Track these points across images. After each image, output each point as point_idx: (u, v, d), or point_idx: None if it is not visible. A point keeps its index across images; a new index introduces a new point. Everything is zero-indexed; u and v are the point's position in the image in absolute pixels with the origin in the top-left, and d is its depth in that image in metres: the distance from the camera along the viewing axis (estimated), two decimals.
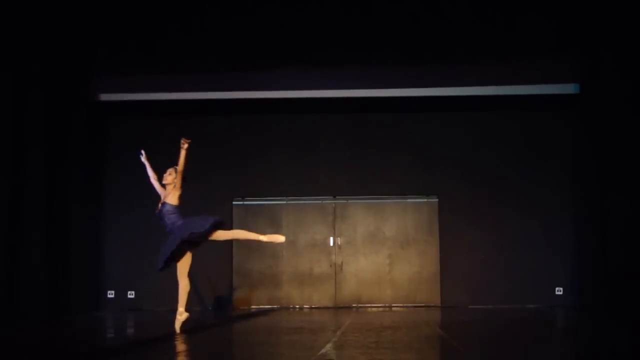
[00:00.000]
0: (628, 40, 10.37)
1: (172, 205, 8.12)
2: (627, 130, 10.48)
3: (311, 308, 11.98)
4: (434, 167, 12.06)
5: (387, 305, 11.97)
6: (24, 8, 10.06)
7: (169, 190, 8.19)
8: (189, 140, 8.07)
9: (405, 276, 12.02)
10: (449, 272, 11.90)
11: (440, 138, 12.11)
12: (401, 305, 11.92)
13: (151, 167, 8.56)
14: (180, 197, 8.18)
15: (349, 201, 12.22)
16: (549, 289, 11.70)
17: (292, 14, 10.81)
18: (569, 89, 11.56)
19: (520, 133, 12.01)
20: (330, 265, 12.10)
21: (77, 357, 6.86)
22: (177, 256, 8.18)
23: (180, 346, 7.38)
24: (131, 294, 11.92)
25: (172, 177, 8.21)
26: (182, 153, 8.05)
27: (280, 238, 8.32)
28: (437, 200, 12.07)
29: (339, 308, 11.90)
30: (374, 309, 11.72)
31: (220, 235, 8.26)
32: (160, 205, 8.19)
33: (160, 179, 8.39)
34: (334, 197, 12.23)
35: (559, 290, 11.70)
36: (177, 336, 7.93)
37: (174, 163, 8.20)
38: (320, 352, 6.53)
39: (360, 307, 11.93)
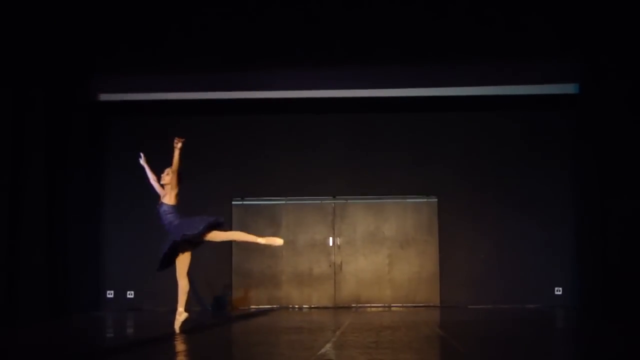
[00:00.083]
0: (628, 40, 10.36)
1: (169, 205, 8.14)
2: (626, 130, 10.47)
3: (311, 308, 11.98)
4: (433, 167, 12.06)
5: (386, 305, 11.97)
6: (24, 8, 10.06)
7: (167, 190, 8.20)
8: (183, 139, 8.07)
9: (405, 276, 12.02)
10: (449, 272, 11.90)
11: (440, 138, 12.12)
12: (401, 305, 11.93)
13: (150, 169, 8.55)
14: (178, 197, 8.19)
15: (349, 201, 12.22)
16: (548, 289, 11.70)
17: (292, 14, 10.81)
18: (569, 89, 11.56)
19: (520, 133, 12.01)
20: (330, 265, 12.10)
21: (77, 357, 6.86)
22: (176, 256, 8.19)
23: (180, 346, 7.38)
24: (130, 294, 11.92)
25: (169, 177, 8.22)
26: (176, 152, 8.06)
27: (278, 241, 8.24)
28: (436, 200, 12.08)
29: (339, 308, 11.90)
30: (373, 309, 11.73)
31: (217, 236, 8.21)
32: (158, 205, 8.21)
33: (159, 179, 8.39)
34: (334, 197, 12.23)
35: (558, 290, 11.70)
36: (177, 336, 7.93)
37: (171, 161, 8.19)
38: (320, 352, 6.53)
39: (360, 307, 11.94)
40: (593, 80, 10.91)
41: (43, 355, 7.06)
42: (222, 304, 11.82)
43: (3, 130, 9.76)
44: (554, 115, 11.96)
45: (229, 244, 11.82)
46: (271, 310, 11.67)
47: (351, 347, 6.93)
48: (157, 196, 8.38)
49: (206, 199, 11.64)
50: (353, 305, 11.99)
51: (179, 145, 8.06)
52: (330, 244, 12.13)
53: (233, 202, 12.17)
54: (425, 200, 12.12)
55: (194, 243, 8.20)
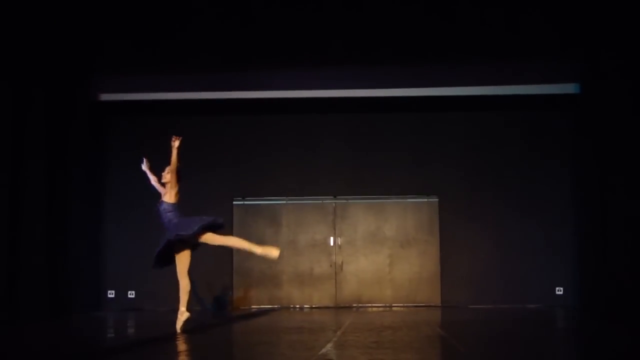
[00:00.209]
0: (628, 40, 10.36)
1: (169, 203, 8.15)
2: (627, 130, 10.46)
3: (311, 308, 11.99)
4: (434, 167, 12.06)
5: (387, 305, 11.97)
6: (24, 8, 10.06)
7: (167, 188, 8.21)
8: (180, 138, 8.08)
9: (406, 276, 12.02)
10: (449, 272, 11.90)
11: (440, 138, 12.12)
12: (401, 305, 11.93)
13: (152, 172, 8.52)
14: (178, 195, 8.19)
15: (349, 201, 12.22)
16: (549, 289, 11.71)
17: (292, 14, 10.81)
18: (569, 88, 11.57)
19: (520, 133, 12.02)
20: (331, 265, 12.10)
21: (78, 357, 6.87)
22: (174, 255, 8.19)
23: (181, 346, 7.39)
24: (131, 294, 11.92)
25: (169, 175, 8.23)
26: (174, 151, 8.08)
27: (274, 253, 8.08)
28: (437, 200, 12.08)
29: (340, 308, 11.91)
30: (374, 309, 11.73)
31: (214, 239, 8.13)
32: (158, 203, 8.21)
33: (161, 179, 8.40)
34: (334, 196, 12.23)
35: (559, 290, 11.71)
36: (178, 336, 7.94)
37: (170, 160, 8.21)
38: (321, 352, 6.54)
39: (361, 307, 11.94)
40: (593, 80, 10.91)
41: (44, 355, 7.07)
42: (223, 304, 11.82)
43: (3, 129, 9.76)
44: (554, 115, 11.97)
45: None
46: (272, 310, 11.68)
47: (352, 347, 6.93)
48: (158, 195, 8.39)
49: (207, 198, 11.66)
50: (354, 305, 12.00)
51: (177, 143, 8.09)
52: (331, 243, 12.14)
53: (234, 202, 12.17)
54: (426, 200, 12.12)
55: (190, 243, 8.18)
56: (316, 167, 12.17)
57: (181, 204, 8.26)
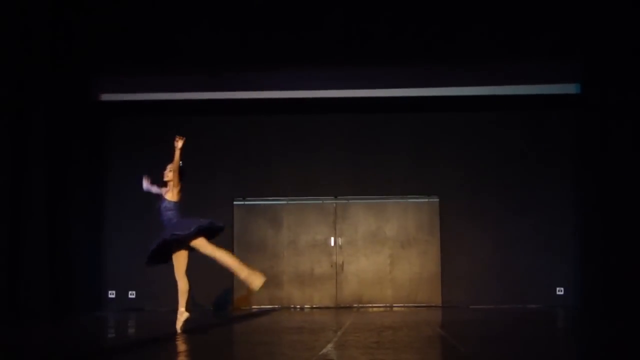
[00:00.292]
0: (628, 41, 10.37)
1: (171, 202, 8.13)
2: (627, 130, 10.47)
3: (312, 308, 11.99)
4: (434, 167, 12.07)
5: (388, 305, 11.97)
6: (25, 8, 10.07)
7: (169, 187, 8.20)
8: (183, 138, 8.07)
9: (406, 276, 12.03)
10: (450, 272, 11.90)
11: (441, 138, 12.12)
12: (402, 305, 11.93)
13: (156, 184, 8.47)
14: (180, 194, 8.16)
15: (350, 201, 12.23)
16: (549, 289, 11.70)
17: (293, 14, 10.82)
18: (569, 89, 11.57)
19: (520, 133, 12.01)
20: (331, 265, 12.10)
21: (78, 357, 6.87)
22: (171, 255, 8.18)
23: (182, 346, 7.39)
24: (132, 294, 11.93)
25: (171, 174, 8.21)
26: (176, 151, 8.05)
27: (256, 282, 7.97)
28: (437, 200, 12.08)
29: (340, 308, 11.91)
30: (375, 309, 11.73)
31: (204, 246, 8.03)
32: (160, 201, 8.20)
33: (162, 179, 8.37)
34: (335, 197, 12.23)
35: (559, 290, 11.70)
36: (178, 336, 7.93)
37: (172, 160, 8.19)
38: (321, 352, 6.54)
39: (361, 307, 11.94)
40: (594, 80, 10.92)
41: (44, 355, 7.07)
42: (224, 304, 11.81)
43: (4, 130, 9.77)
44: (554, 115, 11.97)
45: (229, 244, 11.81)
46: (273, 310, 11.68)
47: (352, 347, 6.93)
48: (159, 195, 8.37)
49: (207, 199, 11.66)
50: (354, 305, 12.00)
51: (180, 144, 8.06)
52: (332, 244, 12.14)
53: (234, 202, 12.18)
54: (427, 200, 12.13)
55: (186, 244, 8.15)
56: (317, 168, 12.17)
57: (182, 203, 8.24)
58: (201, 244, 8.04)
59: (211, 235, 8.19)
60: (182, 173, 8.19)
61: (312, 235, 12.19)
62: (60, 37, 10.73)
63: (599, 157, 10.84)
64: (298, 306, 12.06)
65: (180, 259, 8.18)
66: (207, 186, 11.71)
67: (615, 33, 10.52)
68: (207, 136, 11.94)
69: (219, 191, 12.04)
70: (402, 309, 11.74)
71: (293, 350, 7.02)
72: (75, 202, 11.16)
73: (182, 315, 8.17)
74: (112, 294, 11.95)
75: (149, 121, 12.15)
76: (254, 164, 12.15)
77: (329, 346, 6.94)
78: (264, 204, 12.23)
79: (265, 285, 11.79)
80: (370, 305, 11.98)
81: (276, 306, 12.00)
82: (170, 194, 8.15)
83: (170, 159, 8.18)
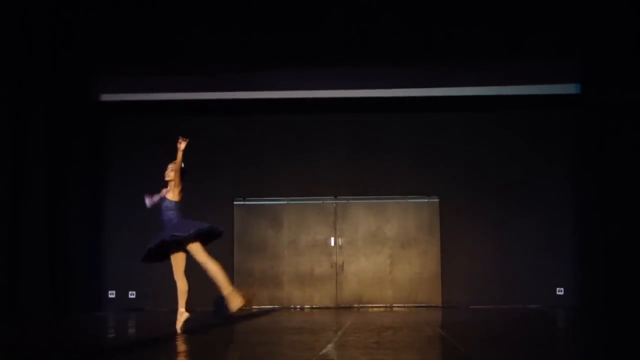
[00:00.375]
0: (628, 41, 10.37)
1: (172, 201, 8.12)
2: (627, 130, 10.47)
3: (312, 308, 11.99)
4: (434, 167, 12.07)
5: (388, 305, 11.97)
6: (25, 8, 10.07)
7: (170, 186, 8.19)
8: (186, 140, 8.04)
9: (406, 276, 12.03)
10: (450, 272, 11.91)
11: (441, 138, 12.12)
12: (402, 305, 11.93)
13: (157, 195, 8.41)
14: (181, 194, 8.15)
15: (350, 201, 12.23)
16: (549, 289, 11.71)
17: (293, 14, 10.82)
18: (569, 89, 11.58)
19: (521, 133, 12.02)
20: (332, 266, 12.10)
21: (78, 357, 6.87)
22: (170, 255, 8.17)
23: (181, 346, 7.39)
24: (132, 294, 11.93)
25: (173, 173, 8.20)
26: (179, 153, 8.03)
27: (236, 303, 7.94)
28: (437, 200, 12.09)
29: (340, 308, 11.91)
30: (375, 309, 11.73)
31: (199, 253, 8.00)
32: (161, 200, 8.18)
33: (163, 179, 8.35)
34: (335, 197, 12.23)
35: (559, 291, 11.70)
36: (178, 336, 7.93)
37: (174, 159, 8.16)
38: (322, 353, 6.54)
39: (362, 307, 11.94)
40: (594, 80, 10.92)
41: (44, 355, 7.07)
42: (224, 304, 11.77)
43: (4, 130, 9.77)
44: (554, 115, 11.97)
45: (230, 243, 11.86)
46: (273, 310, 11.68)
47: (353, 348, 6.93)
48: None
49: (208, 199, 11.68)
50: (355, 305, 12.00)
51: (182, 146, 8.03)
52: (332, 244, 12.14)
53: (234, 203, 12.18)
54: (427, 200, 12.13)
55: (185, 246, 8.13)
56: (317, 168, 12.17)
57: (183, 203, 8.23)
58: (197, 249, 8.02)
59: (210, 239, 8.18)
60: (183, 173, 8.19)
61: (312, 236, 12.19)
62: (60, 37, 10.73)
63: (599, 157, 10.84)
64: (298, 306, 12.06)
65: (178, 260, 8.18)
66: (207, 186, 11.71)
67: (615, 33, 10.52)
68: (207, 136, 11.93)
69: (219, 191, 12.04)
70: (402, 309, 11.74)
71: (293, 351, 7.02)
72: (75, 202, 11.15)
73: (182, 315, 8.17)
74: (112, 294, 11.95)
75: (149, 121, 12.16)
76: (254, 164, 12.15)
77: (329, 346, 6.94)
78: (264, 204, 12.23)
79: (265, 286, 12.01)
80: (371, 305, 11.99)
81: (276, 306, 12.00)
82: (172, 194, 8.15)
83: (172, 158, 8.16)
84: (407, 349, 6.90)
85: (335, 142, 12.19)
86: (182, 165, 8.12)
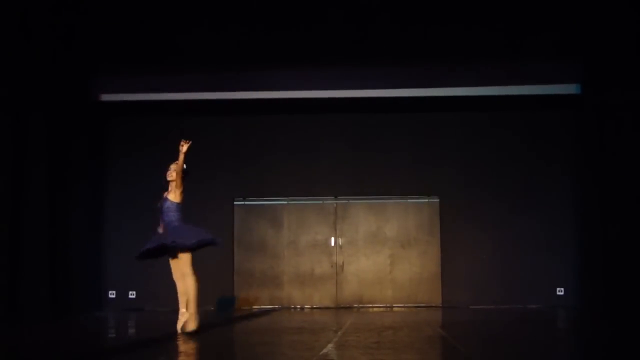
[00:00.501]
0: (628, 41, 10.37)
1: (173, 202, 8.10)
2: (627, 130, 10.47)
3: (312, 308, 11.99)
4: (435, 167, 12.07)
5: (388, 305, 11.97)
6: (25, 8, 10.07)
7: (172, 187, 8.17)
8: (188, 143, 8.02)
9: (407, 276, 12.03)
10: (450, 272, 11.91)
11: (441, 138, 12.12)
12: (402, 305, 11.93)
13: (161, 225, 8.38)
14: (183, 194, 8.14)
15: (350, 201, 12.23)
16: (549, 289, 11.70)
17: (293, 14, 10.81)
18: (570, 89, 11.57)
19: (521, 133, 12.02)
20: (332, 266, 12.10)
21: (79, 357, 6.87)
22: (162, 255, 8.18)
23: (182, 346, 7.39)
24: (132, 294, 11.93)
25: (174, 174, 8.18)
26: (181, 155, 8.01)
27: (192, 326, 7.93)
28: (438, 200, 12.09)
29: (340, 308, 11.91)
30: (375, 309, 11.73)
31: (186, 263, 7.98)
32: (162, 200, 8.17)
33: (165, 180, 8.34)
34: (335, 197, 12.24)
35: (560, 291, 11.70)
36: (179, 336, 7.93)
37: (174, 162, 8.15)
38: (322, 353, 6.54)
39: (362, 307, 11.94)
40: (594, 81, 10.92)
41: (45, 355, 7.08)
42: (228, 305, 11.78)
43: (4, 130, 9.77)
44: (554, 115, 11.97)
45: (230, 242, 11.86)
46: (273, 310, 11.68)
47: (353, 348, 6.94)
48: (159, 196, 8.35)
49: (208, 199, 11.68)
50: (355, 305, 12.00)
51: (184, 148, 8.00)
52: (332, 244, 12.14)
53: (235, 202, 12.18)
54: (427, 200, 12.13)
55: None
56: (317, 168, 12.17)
57: (184, 204, 8.21)
58: (187, 259, 8.01)
59: (205, 246, 8.19)
60: (185, 174, 8.17)
61: (313, 236, 12.19)
62: (60, 37, 10.72)
63: (599, 157, 10.84)
64: (298, 306, 12.06)
65: (178, 262, 8.16)
66: (207, 186, 11.70)
67: (616, 33, 10.51)
68: (208, 136, 11.92)
69: (219, 191, 12.04)
70: (403, 309, 11.74)
71: (293, 351, 7.02)
72: (75, 202, 11.15)
73: (183, 315, 8.16)
74: (112, 294, 11.95)
75: (149, 121, 12.16)
76: (254, 164, 12.14)
77: (329, 346, 6.94)
78: (264, 204, 12.23)
79: (266, 286, 12.02)
80: (371, 305, 11.99)
81: (276, 306, 12.00)
82: (173, 195, 8.13)
83: (172, 158, 8.16)
84: (407, 349, 6.90)
85: (335, 142, 12.19)
86: (184, 166, 8.11)
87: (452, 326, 9.26)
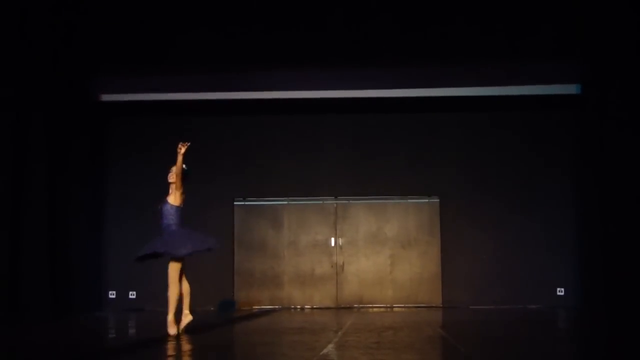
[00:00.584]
0: (628, 41, 10.36)
1: (173, 205, 8.08)
2: (627, 130, 10.47)
3: (312, 308, 11.99)
4: (435, 167, 12.07)
5: (388, 305, 11.97)
6: (25, 9, 10.07)
7: (172, 189, 8.16)
8: (186, 145, 7.99)
9: (407, 276, 12.03)
10: (450, 273, 11.91)
11: (441, 139, 12.12)
12: (402, 305, 11.93)
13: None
14: (183, 196, 8.11)
15: (351, 201, 12.23)
16: (550, 290, 11.70)
17: (293, 14, 10.81)
18: (570, 89, 11.58)
19: (521, 134, 12.02)
20: (332, 266, 12.10)
21: (79, 357, 6.87)
22: (159, 258, 8.19)
23: (182, 347, 7.39)
24: (132, 295, 11.93)
25: (174, 176, 8.17)
26: (179, 157, 7.98)
27: (171, 330, 7.93)
28: (438, 200, 12.09)
29: (341, 308, 11.91)
30: (375, 310, 11.73)
31: (175, 269, 7.96)
32: (162, 203, 8.15)
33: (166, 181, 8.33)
34: (336, 197, 12.23)
35: (560, 291, 11.70)
36: (179, 337, 7.93)
37: (175, 161, 8.13)
38: (322, 353, 6.54)
39: (362, 307, 11.94)
40: (594, 81, 10.92)
41: (45, 355, 7.08)
42: (229, 308, 11.77)
43: (5, 131, 9.77)
44: (555, 115, 11.97)
45: (230, 243, 11.87)
46: (273, 310, 11.68)
47: (353, 348, 6.94)
48: (159, 196, 8.33)
49: (208, 199, 11.68)
50: (355, 305, 12.00)
51: (183, 150, 7.98)
52: (332, 244, 12.14)
53: (235, 203, 12.18)
54: (427, 200, 12.13)
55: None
56: (317, 168, 12.17)
57: (184, 207, 8.18)
58: (175, 266, 7.98)
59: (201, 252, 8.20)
60: (185, 176, 8.14)
61: (313, 236, 12.19)
62: (60, 38, 10.72)
63: (599, 157, 10.83)
64: (298, 306, 12.06)
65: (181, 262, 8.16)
66: (207, 186, 11.69)
67: (615, 33, 10.51)
68: (209, 136, 11.93)
69: (219, 191, 12.04)
70: (403, 309, 11.74)
71: (294, 351, 7.02)
72: (75, 202, 11.15)
73: (186, 317, 8.14)
74: (112, 294, 11.95)
75: (149, 121, 12.16)
76: (254, 164, 12.14)
77: (330, 346, 6.94)
78: (265, 204, 12.23)
79: (266, 286, 12.02)
80: (371, 305, 11.98)
81: (277, 306, 12.00)
82: (173, 197, 8.10)
83: (172, 159, 8.13)
84: (408, 349, 6.90)
85: (335, 142, 12.19)
86: (185, 167, 8.10)
87: (453, 326, 9.26)
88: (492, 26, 10.90)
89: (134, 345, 7.75)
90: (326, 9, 10.77)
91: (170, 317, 8.00)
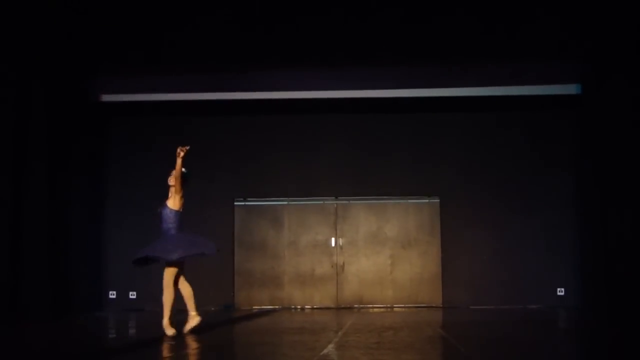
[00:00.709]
0: (630, 40, 10.35)
1: (172, 209, 8.04)
2: (628, 130, 10.46)
3: (313, 308, 11.99)
4: (435, 168, 12.06)
5: (388, 305, 11.97)
6: (27, 9, 10.07)
7: (171, 193, 8.13)
8: (185, 149, 7.95)
9: (407, 277, 12.02)
10: (451, 273, 11.90)
11: (442, 139, 12.12)
12: (403, 305, 11.93)
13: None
14: (182, 200, 8.08)
15: (351, 202, 12.22)
16: (550, 290, 11.70)
17: (294, 15, 10.80)
18: (570, 89, 11.58)
19: (521, 134, 12.01)
20: (332, 266, 12.10)
21: (79, 357, 6.87)
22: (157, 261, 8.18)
23: (182, 347, 7.38)
24: (132, 295, 11.92)
25: (173, 180, 8.14)
26: (178, 160, 7.95)
27: (168, 332, 7.93)
28: (438, 200, 12.08)
29: (341, 308, 11.90)
30: (375, 310, 11.73)
31: (170, 274, 7.97)
32: (161, 206, 8.13)
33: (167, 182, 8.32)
34: (336, 197, 12.23)
35: (560, 291, 11.70)
36: (179, 337, 7.93)
37: (174, 163, 8.12)
38: (322, 353, 6.54)
39: (362, 307, 11.94)
40: (595, 81, 10.92)
41: (45, 355, 7.08)
42: (225, 305, 11.79)
43: (5, 131, 9.77)
44: (555, 115, 11.97)
45: (230, 243, 11.86)
46: (273, 310, 11.68)
47: (353, 348, 6.93)
48: (159, 196, 8.33)
49: (208, 199, 11.68)
50: (355, 305, 11.99)
51: (182, 154, 7.95)
52: (333, 244, 12.13)
53: (235, 203, 12.17)
54: (427, 201, 12.12)
55: None
56: (317, 168, 12.17)
57: (184, 212, 8.15)
58: (170, 270, 7.98)
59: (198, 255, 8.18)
60: (185, 179, 8.12)
61: (313, 236, 12.18)
62: (60, 38, 10.72)
63: (599, 157, 10.83)
64: (299, 307, 12.06)
65: (177, 268, 8.14)
66: (207, 186, 11.70)
67: (616, 33, 10.50)
68: (209, 136, 11.93)
69: (219, 191, 12.04)
70: (403, 309, 11.73)
71: (294, 351, 7.02)
72: (75, 203, 11.15)
73: (193, 319, 8.11)
74: (112, 295, 11.95)
75: (149, 121, 12.16)
76: (254, 164, 12.14)
77: (330, 347, 6.94)
78: (265, 205, 12.23)
79: (266, 286, 12.02)
80: (371, 305, 11.98)
81: (277, 307, 12.00)
82: (172, 201, 8.07)
83: (172, 159, 8.11)
84: (408, 349, 6.90)
85: (335, 142, 12.19)
86: (184, 170, 8.08)
87: (453, 326, 9.26)
88: (492, 26, 10.89)
89: (134, 346, 7.75)
90: (326, 9, 10.75)
91: (166, 321, 8.00)
